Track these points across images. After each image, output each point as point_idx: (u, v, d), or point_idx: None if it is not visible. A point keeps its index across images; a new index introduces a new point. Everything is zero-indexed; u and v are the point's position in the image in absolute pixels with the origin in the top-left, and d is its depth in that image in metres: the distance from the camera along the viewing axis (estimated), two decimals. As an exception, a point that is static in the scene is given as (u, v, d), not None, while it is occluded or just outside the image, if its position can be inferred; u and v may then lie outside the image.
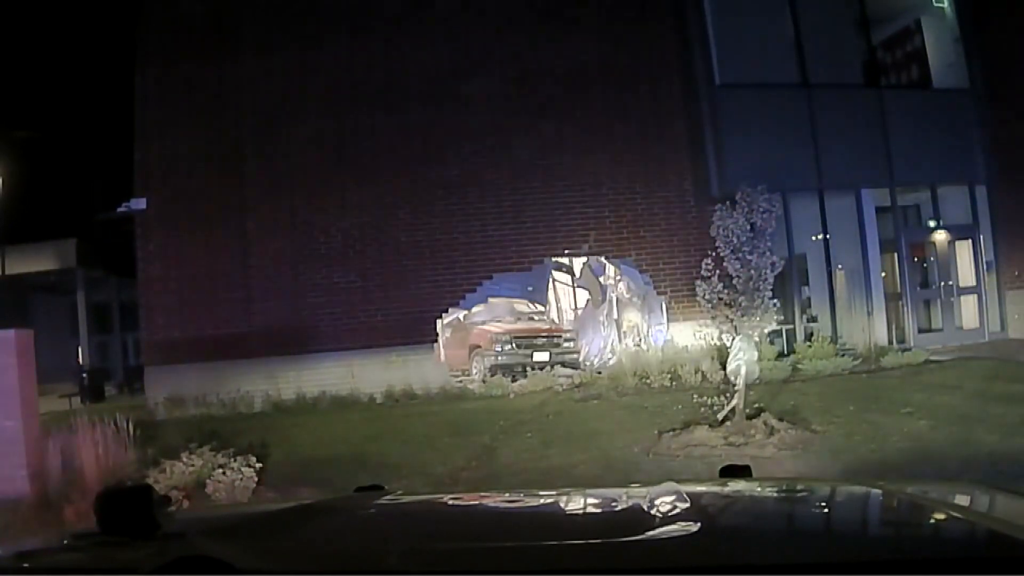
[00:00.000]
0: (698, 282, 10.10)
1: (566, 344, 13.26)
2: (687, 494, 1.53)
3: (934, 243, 15.18)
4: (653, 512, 1.42)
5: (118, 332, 23.60)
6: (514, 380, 12.22)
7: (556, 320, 13.78)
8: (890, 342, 13.54)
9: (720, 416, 8.01)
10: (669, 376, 11.33)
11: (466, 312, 13.59)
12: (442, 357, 13.41)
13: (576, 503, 1.87)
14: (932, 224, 15.10)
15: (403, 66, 13.82)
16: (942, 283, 15.11)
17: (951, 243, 15.07)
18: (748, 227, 9.92)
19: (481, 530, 1.62)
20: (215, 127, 13.57)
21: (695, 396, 9.34)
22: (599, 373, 12.37)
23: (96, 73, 19.91)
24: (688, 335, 12.83)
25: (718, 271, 9.87)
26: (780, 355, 12.41)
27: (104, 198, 20.19)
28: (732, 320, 9.85)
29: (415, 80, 13.85)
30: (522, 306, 13.76)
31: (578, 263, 13.94)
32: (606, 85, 14.21)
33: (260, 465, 7.00)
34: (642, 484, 1.80)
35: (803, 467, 6.80)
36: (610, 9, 14.31)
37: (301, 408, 11.89)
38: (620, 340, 13.56)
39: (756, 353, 8.43)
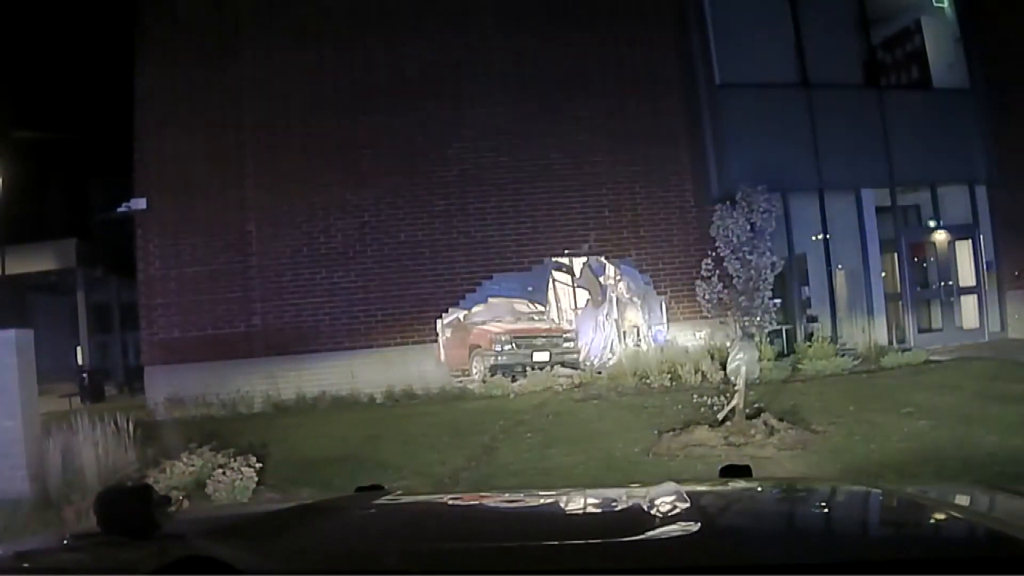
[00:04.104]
0: (698, 282, 10.11)
1: (566, 344, 13.25)
2: (687, 494, 1.53)
3: (934, 243, 15.18)
4: (653, 512, 1.42)
5: (118, 332, 23.57)
6: (514, 380, 12.21)
7: (556, 320, 13.78)
8: (890, 342, 13.54)
9: (720, 416, 8.01)
10: (669, 376, 11.33)
11: (466, 312, 13.58)
12: (442, 357, 13.41)
13: (576, 503, 1.87)
14: (932, 224, 15.10)
15: (403, 66, 13.82)
16: (942, 283, 15.11)
17: (951, 243, 15.06)
18: (748, 227, 9.94)
19: (481, 530, 1.62)
20: (215, 127, 13.56)
21: (695, 396, 9.33)
22: (599, 373, 12.37)
23: (96, 73, 19.87)
24: (688, 335, 12.83)
25: (718, 271, 9.88)
26: (780, 355, 12.40)
27: (104, 198, 20.21)
28: (732, 320, 9.86)
29: (415, 80, 13.84)
30: (522, 306, 13.76)
31: (578, 263, 13.94)
32: (606, 85, 14.21)
33: (260, 465, 7.00)
34: (642, 484, 1.80)
35: (803, 467, 6.80)
36: (610, 9, 14.31)
37: (301, 408, 11.88)
38: (620, 340, 13.56)
39: (756, 353, 8.44)
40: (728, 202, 10.37)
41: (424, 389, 12.24)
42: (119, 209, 14.11)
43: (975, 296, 14.79)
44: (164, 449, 7.51)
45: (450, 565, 1.23)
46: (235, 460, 6.97)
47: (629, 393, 10.90)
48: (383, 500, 1.94)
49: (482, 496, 2.36)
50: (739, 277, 9.70)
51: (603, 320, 13.77)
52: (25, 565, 1.38)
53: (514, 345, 12.85)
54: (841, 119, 14.01)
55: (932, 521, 1.47)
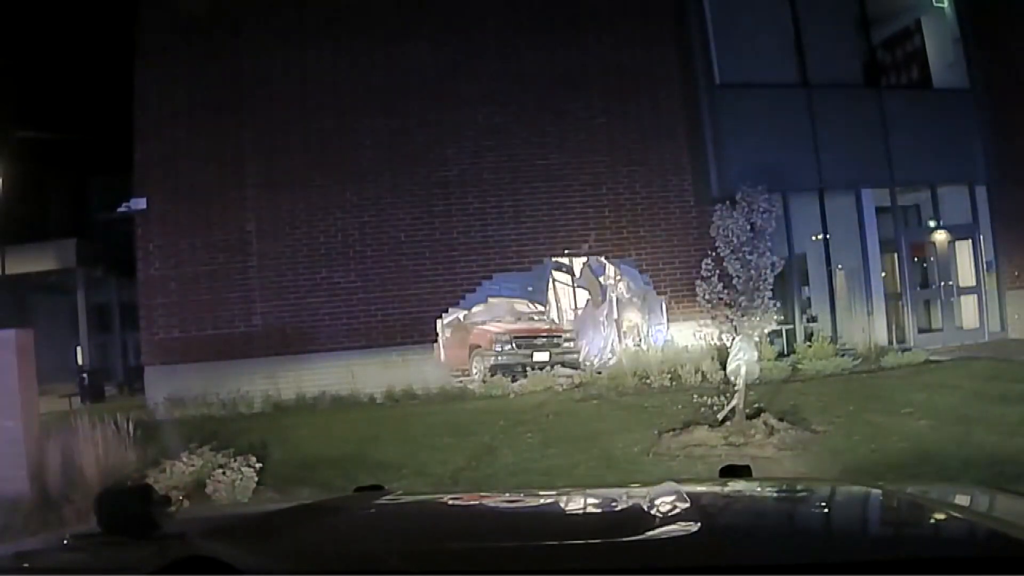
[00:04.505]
0: (698, 282, 10.07)
1: (566, 344, 13.26)
2: (687, 494, 1.53)
3: (934, 243, 15.18)
4: (653, 512, 1.42)
5: (118, 332, 23.57)
6: (514, 380, 12.21)
7: (556, 320, 13.78)
8: (890, 342, 13.55)
9: (720, 416, 8.01)
10: (669, 376, 11.33)
11: (466, 312, 13.58)
12: (442, 357, 13.41)
13: (576, 503, 1.87)
14: (932, 224, 15.11)
15: (403, 66, 13.82)
16: (942, 283, 15.11)
17: (951, 243, 15.07)
18: (748, 227, 9.91)
19: (481, 530, 1.62)
20: (215, 126, 13.57)
21: (695, 396, 9.32)
22: (599, 373, 12.37)
23: (95, 72, 19.86)
24: (688, 335, 12.82)
25: (718, 271, 9.85)
26: (780, 355, 12.40)
27: (104, 198, 20.20)
28: (732, 320, 9.83)
29: (415, 80, 13.84)
30: (522, 306, 13.76)
31: (578, 263, 13.94)
32: (606, 85, 14.21)
33: (260, 465, 6.99)
34: (642, 484, 1.80)
35: (803, 467, 6.80)
36: (610, 9, 14.31)
37: (301, 408, 11.88)
38: (620, 340, 13.56)
39: (756, 353, 8.43)
40: (728, 202, 10.34)
41: (424, 389, 12.24)
42: (119, 209, 14.07)
43: (975, 296, 14.80)
44: (164, 449, 7.51)
45: (450, 565, 1.23)
46: (235, 460, 6.95)
47: (629, 393, 10.90)
48: (383, 500, 1.94)
49: (482, 496, 2.35)
50: (739, 277, 9.67)
51: (603, 320, 13.77)
52: (25, 565, 1.38)
53: (514, 345, 12.86)
54: (841, 119, 14.01)
55: (932, 521, 1.47)
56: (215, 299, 13.40)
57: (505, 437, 8.80)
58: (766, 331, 11.02)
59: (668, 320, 13.69)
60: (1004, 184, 14.40)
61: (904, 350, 12.41)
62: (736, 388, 7.94)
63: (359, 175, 13.72)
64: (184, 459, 6.98)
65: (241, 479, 6.67)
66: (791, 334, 13.61)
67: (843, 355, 11.90)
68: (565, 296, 13.95)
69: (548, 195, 13.96)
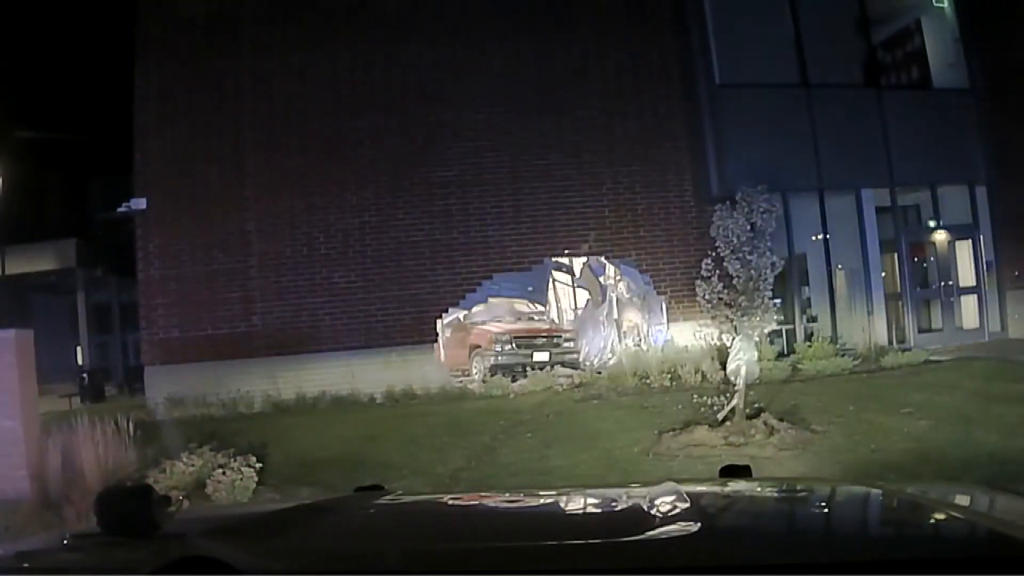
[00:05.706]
0: (698, 282, 10.09)
1: (566, 344, 13.26)
2: (687, 494, 1.53)
3: (934, 243, 15.18)
4: (653, 512, 1.42)
5: (118, 332, 23.59)
6: (514, 380, 12.21)
7: (556, 320, 13.78)
8: (890, 342, 13.54)
9: (720, 416, 8.00)
10: (669, 376, 11.32)
11: (466, 312, 13.59)
12: (442, 357, 13.41)
13: (576, 503, 1.87)
14: (932, 224, 15.11)
15: (403, 66, 13.82)
16: (942, 283, 15.11)
17: (951, 243, 15.07)
18: (748, 227, 9.95)
19: (481, 530, 1.62)
20: (215, 127, 13.57)
21: (695, 396, 9.30)
22: (599, 373, 12.37)
23: (96, 73, 19.86)
24: (688, 335, 12.82)
25: (718, 271, 9.86)
26: (780, 355, 12.40)
27: (104, 198, 20.20)
28: (732, 320, 9.84)
29: (415, 80, 13.85)
30: (522, 306, 13.76)
31: (578, 263, 13.95)
32: (606, 85, 14.21)
33: (260, 465, 6.98)
34: (642, 484, 1.80)
35: (803, 467, 6.80)
36: (610, 9, 14.32)
37: (301, 408, 11.88)
38: (620, 340, 13.56)
39: (756, 353, 8.43)
40: (728, 202, 10.38)
41: (424, 389, 12.23)
42: (119, 209, 14.07)
43: (975, 296, 14.80)
44: (164, 449, 7.50)
45: (450, 565, 1.23)
46: (235, 460, 6.95)
47: (629, 393, 10.89)
48: (383, 500, 1.94)
49: (482, 496, 2.36)
50: (739, 277, 9.68)
51: (603, 320, 13.77)
52: (25, 565, 1.38)
53: (514, 345, 12.86)
54: (841, 119, 14.01)
55: (932, 521, 1.47)
56: (215, 299, 13.40)
57: (505, 437, 8.81)
58: (766, 331, 11.04)
59: (668, 320, 13.69)
60: (1004, 184, 14.40)
61: (904, 350, 12.41)
62: (736, 388, 7.94)
63: (359, 175, 13.72)
64: (184, 459, 6.97)
65: (241, 479, 6.67)
66: (791, 334, 13.62)
67: (843, 355, 11.90)
68: (565, 296, 13.95)
69: (548, 195, 13.97)
